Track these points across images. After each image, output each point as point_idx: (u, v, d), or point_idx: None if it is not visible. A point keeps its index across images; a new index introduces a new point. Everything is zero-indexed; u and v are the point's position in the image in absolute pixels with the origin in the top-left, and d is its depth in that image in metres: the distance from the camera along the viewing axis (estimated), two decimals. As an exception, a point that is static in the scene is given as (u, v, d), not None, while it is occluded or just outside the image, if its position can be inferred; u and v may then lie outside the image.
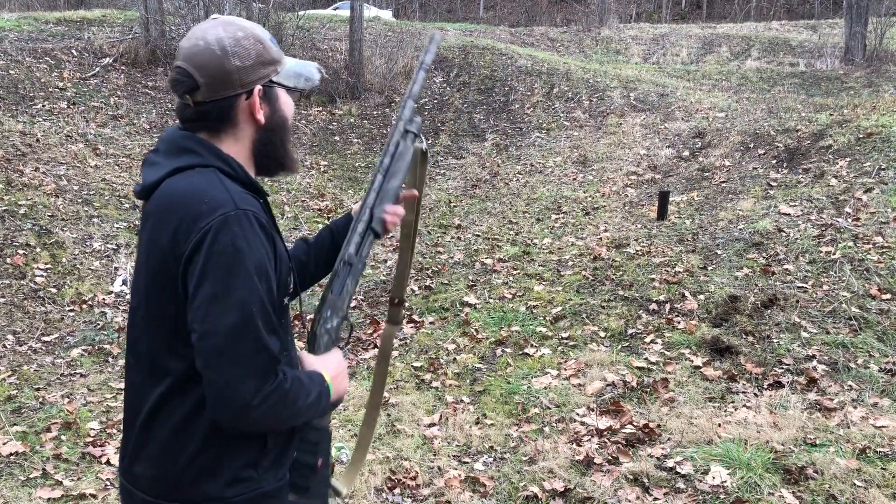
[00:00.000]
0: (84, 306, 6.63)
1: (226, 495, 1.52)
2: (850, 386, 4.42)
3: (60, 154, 9.34)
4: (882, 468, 3.53)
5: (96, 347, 5.88)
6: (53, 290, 6.72)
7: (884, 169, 7.13)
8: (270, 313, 1.47)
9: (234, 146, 1.58)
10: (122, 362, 5.64)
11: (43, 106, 10.52)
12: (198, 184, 1.49)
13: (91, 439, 4.23)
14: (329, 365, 1.67)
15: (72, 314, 6.46)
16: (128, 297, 6.72)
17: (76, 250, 7.46)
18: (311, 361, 1.68)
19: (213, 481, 1.52)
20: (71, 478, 3.84)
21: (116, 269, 7.32)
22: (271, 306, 1.48)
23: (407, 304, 6.37)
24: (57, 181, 8.59)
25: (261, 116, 1.57)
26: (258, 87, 1.56)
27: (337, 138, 12.67)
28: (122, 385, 4.63)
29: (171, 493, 1.53)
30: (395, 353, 5.51)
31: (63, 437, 4.27)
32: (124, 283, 7.12)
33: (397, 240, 7.23)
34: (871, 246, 5.86)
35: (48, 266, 6.99)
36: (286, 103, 1.63)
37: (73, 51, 12.86)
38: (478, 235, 8.10)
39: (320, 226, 9.22)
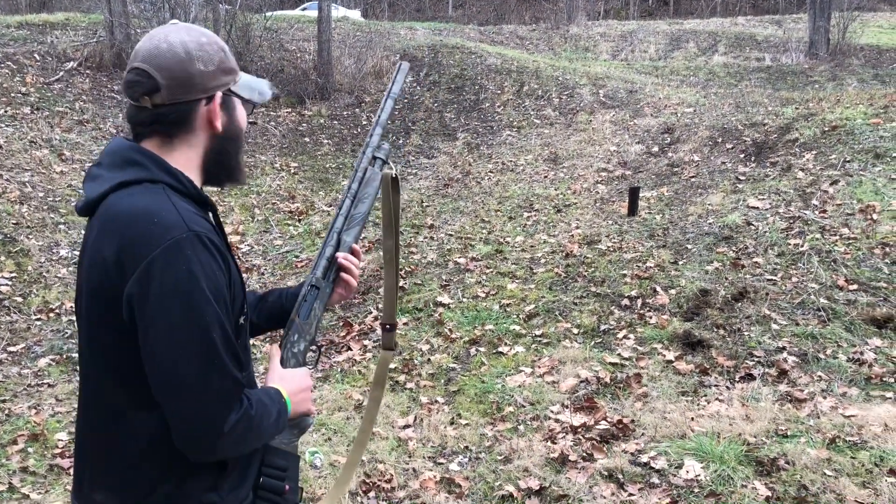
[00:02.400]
0: (51, 315, 6.51)
1: None
2: (819, 376, 4.47)
3: (24, 160, 9.18)
4: (851, 457, 3.57)
5: (64, 356, 5.78)
6: (19, 299, 6.59)
7: (849, 161, 7.23)
8: (231, 338, 1.42)
9: (186, 153, 1.52)
10: (90, 371, 5.55)
11: (6, 111, 10.33)
12: (146, 202, 1.42)
13: (59, 451, 4.16)
14: (291, 381, 1.65)
15: (38, 323, 6.35)
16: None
17: (42, 258, 7.34)
18: (274, 376, 1.66)
19: None
20: (38, 491, 3.77)
21: (84, 276, 7.20)
22: (232, 329, 1.44)
23: (380, 306, 6.34)
24: (21, 188, 8.44)
25: (219, 124, 1.53)
26: (219, 94, 1.52)
27: (307, 139, 12.59)
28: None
29: None
30: (368, 356, 5.48)
31: (30, 450, 4.19)
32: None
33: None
34: (837, 237, 5.94)
35: (13, 274, 6.86)
36: (241, 114, 1.59)
37: (36, 55, 12.65)
38: (450, 235, 8.09)
39: (291, 228, 9.15)
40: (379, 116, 1.89)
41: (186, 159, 1.52)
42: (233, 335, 1.44)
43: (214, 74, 1.50)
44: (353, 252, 1.82)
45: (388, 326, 1.99)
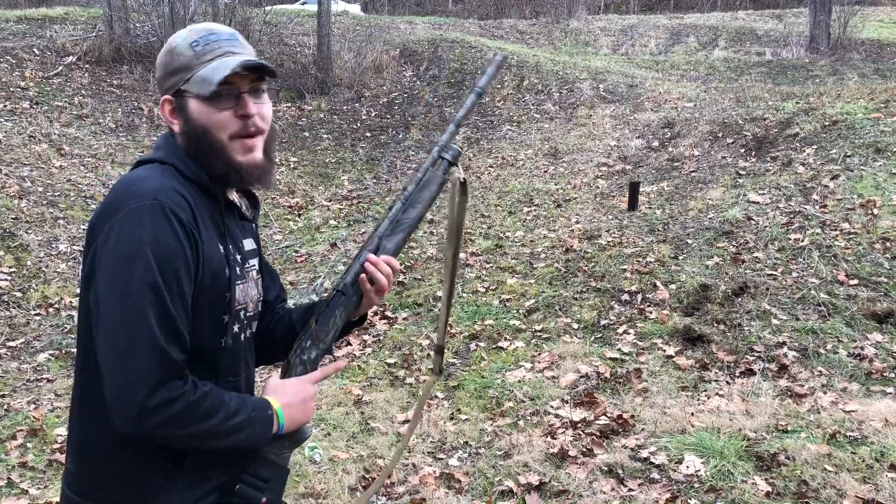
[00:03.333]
0: (51, 310, 6.51)
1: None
2: (819, 371, 4.46)
3: (24, 155, 9.16)
4: (852, 452, 3.56)
5: (63, 351, 5.77)
6: (18, 294, 6.59)
7: (849, 156, 7.22)
8: (171, 312, 1.38)
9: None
10: (90, 366, 5.54)
11: (4, 106, 10.31)
12: (137, 175, 1.47)
13: (58, 446, 4.15)
14: (284, 392, 1.57)
15: (38, 318, 6.34)
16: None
17: (41, 253, 7.33)
18: (267, 388, 1.59)
19: (140, 487, 1.46)
20: (37, 486, 3.76)
21: (83, 271, 7.19)
22: (183, 308, 1.41)
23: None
24: (20, 183, 8.42)
25: (176, 126, 1.53)
26: (164, 97, 1.54)
27: (306, 134, 12.56)
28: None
29: (92, 493, 1.48)
30: (367, 350, 5.48)
31: (29, 445, 4.18)
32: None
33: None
34: (838, 232, 5.93)
35: (12, 269, 6.85)
36: (199, 112, 1.49)
37: (35, 49, 12.62)
38: (450, 229, 8.07)
39: (290, 223, 9.14)
40: (459, 113, 1.72)
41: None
42: (181, 312, 1.40)
43: (163, 79, 1.54)
44: (389, 263, 1.67)
45: (437, 348, 1.83)
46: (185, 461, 1.47)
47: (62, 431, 4.32)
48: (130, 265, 1.35)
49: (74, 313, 6.49)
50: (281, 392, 1.57)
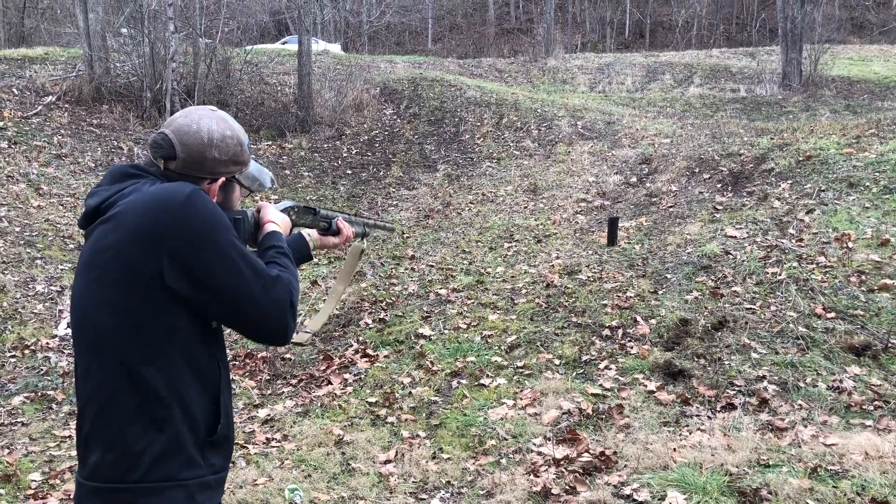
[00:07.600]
0: (27, 351, 6.41)
1: (181, 476, 1.61)
2: (800, 405, 4.48)
3: (1, 195, 9.10)
4: (833, 486, 3.56)
5: (39, 394, 5.68)
6: (-7, 336, 6.49)
7: (823, 190, 7.33)
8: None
9: None
10: (66, 409, 5.45)
11: (-18, 146, 10.26)
12: (155, 187, 1.69)
13: (32, 492, 4.07)
14: (276, 217, 2.02)
15: (13, 360, 6.25)
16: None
17: (18, 294, 7.24)
18: (268, 212, 2.01)
19: (171, 461, 1.61)
20: (10, 533, 3.68)
21: (61, 311, 7.11)
22: None
23: (361, 339, 6.30)
24: (-3, 223, 8.36)
25: (214, 197, 1.82)
26: (222, 179, 1.82)
27: (287, 172, 12.59)
28: (66, 433, 4.43)
29: (130, 474, 1.58)
30: (349, 389, 5.43)
31: (2, 491, 4.09)
32: (69, 325, 6.91)
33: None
34: (814, 266, 5.99)
35: (-12, 311, 6.76)
36: (236, 196, 1.91)
37: (14, 89, 12.61)
38: (431, 266, 8.08)
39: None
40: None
41: None
42: None
43: (225, 164, 1.81)
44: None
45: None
46: (219, 421, 1.71)
47: (37, 477, 4.23)
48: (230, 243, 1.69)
49: (52, 354, 6.40)
50: (276, 217, 2.05)
